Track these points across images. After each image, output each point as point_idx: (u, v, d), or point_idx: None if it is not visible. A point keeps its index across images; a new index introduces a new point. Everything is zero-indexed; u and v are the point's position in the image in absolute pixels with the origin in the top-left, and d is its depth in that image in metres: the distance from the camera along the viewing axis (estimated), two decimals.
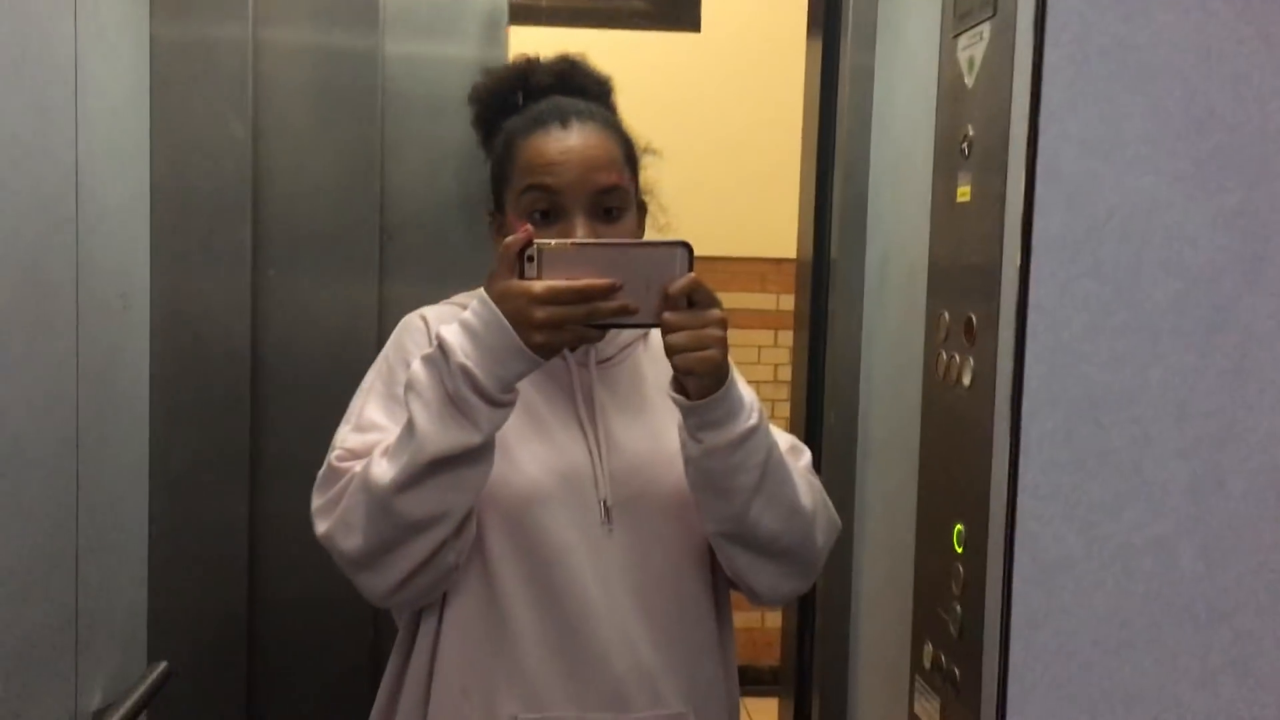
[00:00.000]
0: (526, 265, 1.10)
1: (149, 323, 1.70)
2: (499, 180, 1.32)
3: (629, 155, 1.32)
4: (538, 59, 1.36)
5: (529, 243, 1.11)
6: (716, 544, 1.26)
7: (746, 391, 1.21)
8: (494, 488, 1.21)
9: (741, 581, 1.29)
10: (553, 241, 1.13)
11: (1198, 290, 1.01)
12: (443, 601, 1.26)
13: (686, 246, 1.12)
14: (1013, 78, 1.07)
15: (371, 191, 1.78)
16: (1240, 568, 1.01)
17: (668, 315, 1.12)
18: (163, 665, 1.54)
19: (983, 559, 1.10)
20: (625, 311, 1.11)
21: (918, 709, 1.29)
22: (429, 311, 1.35)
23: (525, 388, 1.26)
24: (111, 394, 1.54)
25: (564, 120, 1.27)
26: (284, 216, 1.77)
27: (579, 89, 1.35)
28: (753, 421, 1.17)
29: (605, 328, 1.14)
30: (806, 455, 1.36)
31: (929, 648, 1.26)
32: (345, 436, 1.25)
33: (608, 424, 1.29)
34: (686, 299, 1.12)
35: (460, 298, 1.38)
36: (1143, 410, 1.01)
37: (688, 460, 1.20)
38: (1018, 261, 1.03)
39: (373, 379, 1.31)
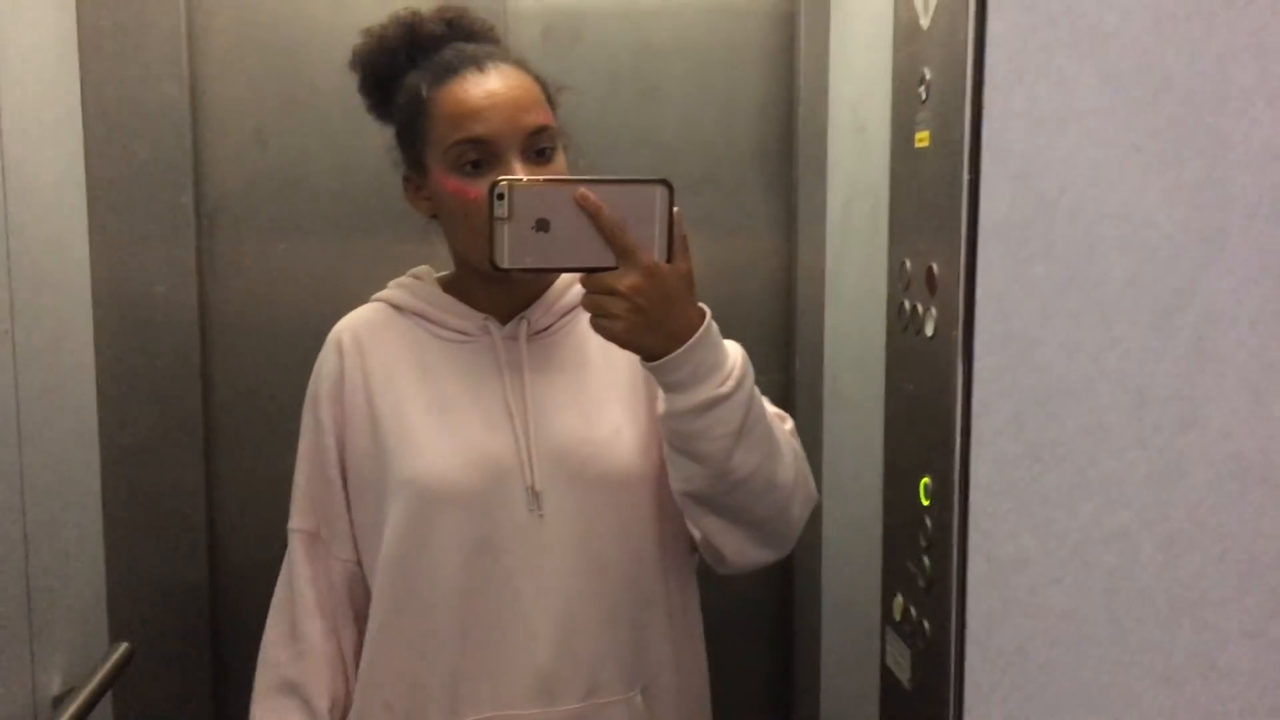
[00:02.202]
0: (496, 204, 1.05)
1: (90, 295, 1.66)
2: (414, 139, 1.26)
3: (547, 94, 1.26)
4: (419, 11, 1.28)
5: (497, 180, 1.05)
6: (683, 504, 1.21)
7: (727, 354, 1.14)
8: (404, 487, 1.18)
9: (708, 545, 1.25)
10: (524, 178, 1.07)
11: (1155, 269, 0.96)
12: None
13: (666, 184, 1.05)
14: (968, 18, 1.00)
15: (321, 146, 1.72)
16: (1203, 558, 0.97)
17: (580, 281, 1.08)
18: (124, 646, 1.52)
19: (950, 512, 1.06)
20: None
21: (889, 661, 1.28)
22: (347, 330, 1.31)
23: (442, 376, 1.22)
24: (55, 371, 1.51)
25: (479, 65, 1.21)
26: (228, 178, 1.72)
27: (471, 35, 1.29)
28: (723, 390, 1.11)
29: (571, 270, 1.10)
30: (789, 422, 1.32)
31: (899, 600, 1.24)
32: (293, 517, 1.30)
33: (539, 404, 1.24)
34: (665, 244, 1.07)
35: (391, 292, 1.33)
36: (1099, 398, 0.96)
37: (658, 417, 1.16)
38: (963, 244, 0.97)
39: (303, 445, 1.31)
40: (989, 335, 0.96)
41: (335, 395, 1.27)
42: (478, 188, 1.17)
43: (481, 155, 1.19)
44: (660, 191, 1.05)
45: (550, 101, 1.27)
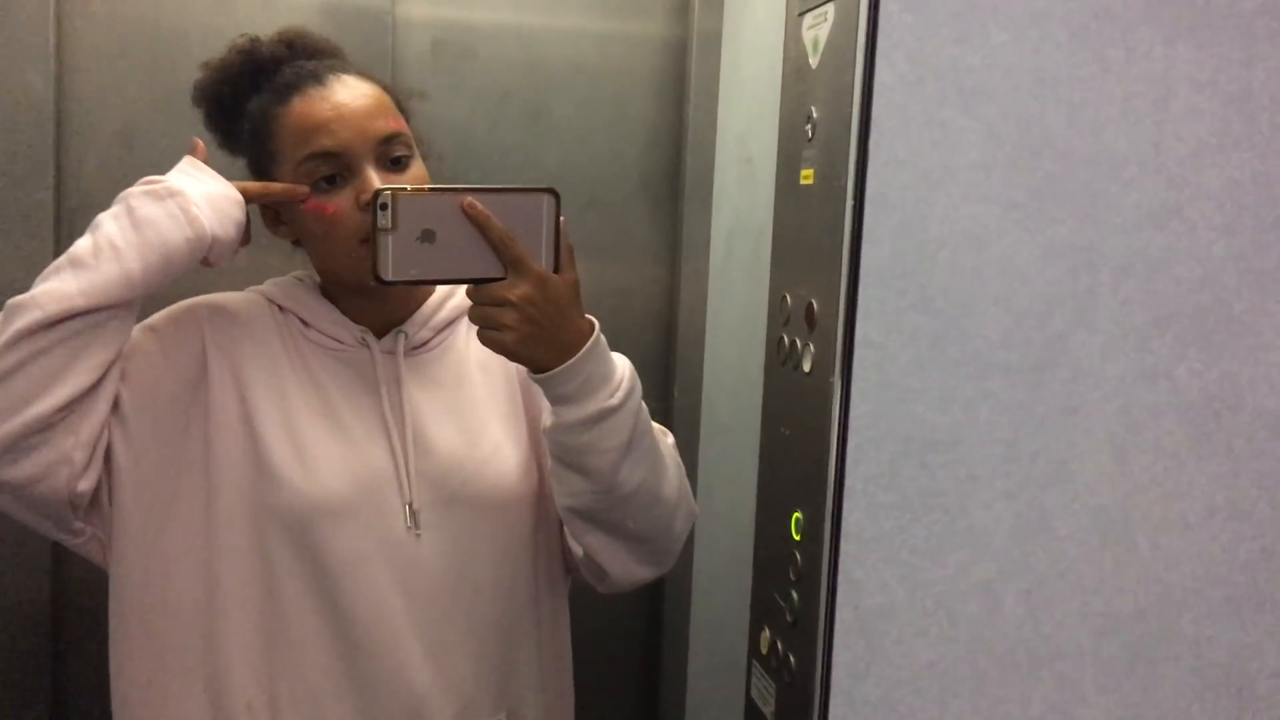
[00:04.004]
0: (379, 214, 1.00)
1: None
2: (265, 163, 1.21)
3: (397, 101, 1.23)
4: (258, 37, 1.24)
5: (380, 190, 1.01)
6: (567, 520, 1.19)
7: (616, 366, 1.12)
8: (282, 496, 1.13)
9: (590, 562, 1.23)
10: (409, 188, 1.03)
11: (1027, 326, 0.97)
12: (216, 612, 1.18)
13: (554, 193, 1.03)
14: (856, 62, 1.01)
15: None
16: (1063, 611, 0.98)
17: (466, 292, 1.05)
18: None
19: (820, 548, 1.06)
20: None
21: (754, 694, 1.27)
22: (211, 306, 1.25)
23: (325, 384, 1.18)
24: None
25: (320, 78, 1.17)
26: (92, 176, 1.63)
27: (313, 54, 1.25)
28: (613, 401, 1.09)
29: (458, 281, 1.06)
30: (670, 438, 1.31)
31: (766, 633, 1.23)
32: None
33: (418, 420, 1.21)
34: (553, 254, 1.04)
35: (271, 289, 1.27)
36: (969, 450, 0.97)
37: (543, 431, 1.13)
38: (843, 289, 0.98)
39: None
40: (866, 383, 0.96)
41: (192, 353, 1.21)
42: (335, 203, 1.14)
43: (334, 169, 1.15)
44: (548, 200, 1.03)
45: (402, 109, 1.23)
